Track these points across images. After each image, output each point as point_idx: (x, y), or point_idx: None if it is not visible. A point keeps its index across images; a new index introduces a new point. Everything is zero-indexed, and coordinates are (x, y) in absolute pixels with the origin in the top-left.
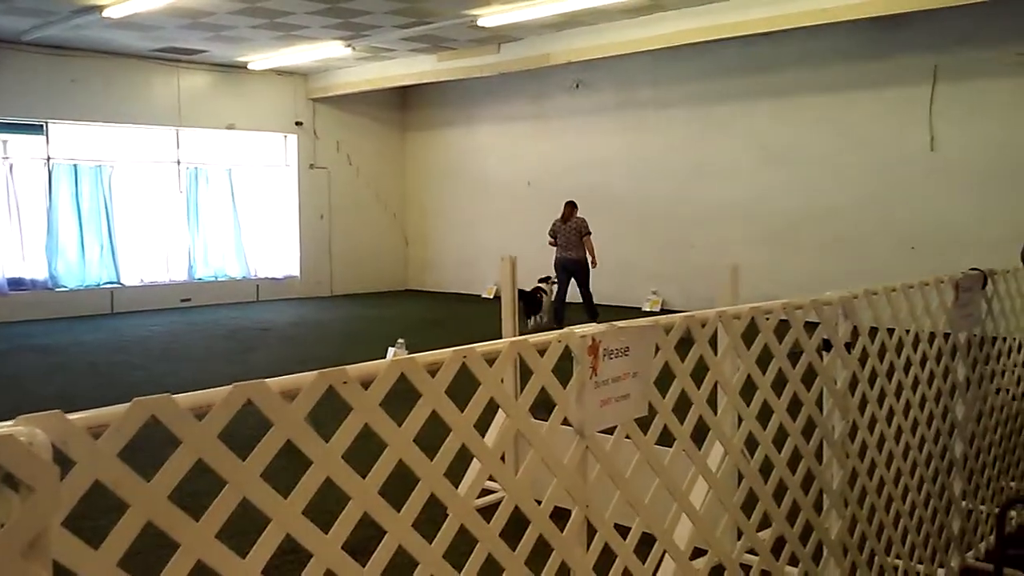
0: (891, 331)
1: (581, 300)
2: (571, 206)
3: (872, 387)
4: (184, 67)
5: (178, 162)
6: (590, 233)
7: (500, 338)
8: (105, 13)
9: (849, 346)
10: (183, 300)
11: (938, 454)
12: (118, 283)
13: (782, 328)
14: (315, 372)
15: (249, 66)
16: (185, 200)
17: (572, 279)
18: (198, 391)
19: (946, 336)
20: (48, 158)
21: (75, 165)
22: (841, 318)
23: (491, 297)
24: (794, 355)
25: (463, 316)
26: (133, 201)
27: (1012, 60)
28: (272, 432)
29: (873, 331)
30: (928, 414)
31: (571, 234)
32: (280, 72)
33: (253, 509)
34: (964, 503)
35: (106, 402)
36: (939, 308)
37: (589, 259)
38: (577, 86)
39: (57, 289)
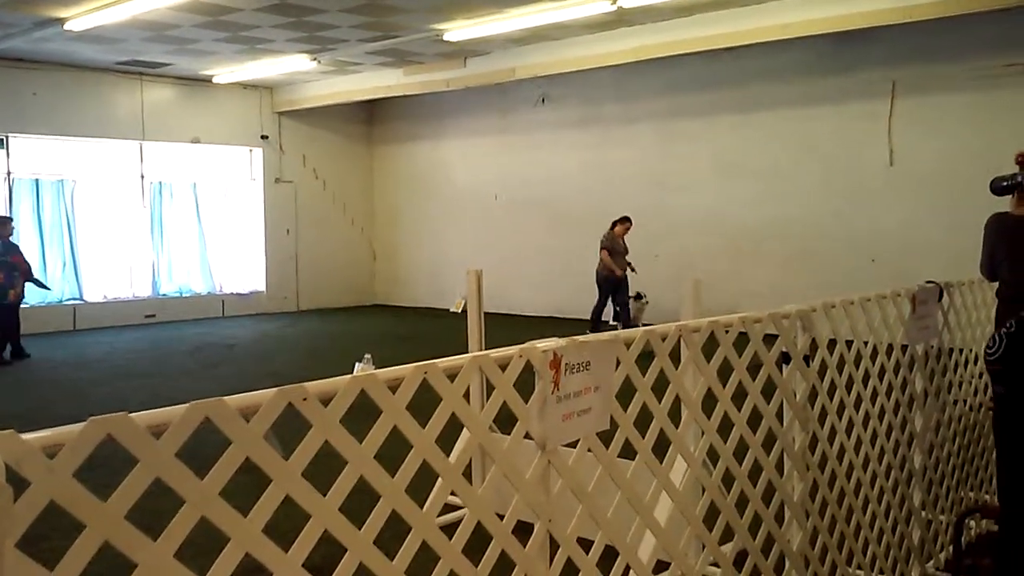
0: (850, 343)
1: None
2: (614, 222)
3: (831, 399)
4: (148, 80)
5: (142, 176)
6: (603, 247)
7: (467, 352)
8: (67, 26)
9: (808, 359)
10: (147, 316)
11: (897, 465)
12: (81, 299)
13: (742, 341)
14: (274, 389)
15: (214, 79)
16: (149, 215)
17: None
18: (156, 409)
19: (903, 348)
20: (9, 173)
21: (36, 180)
22: (799, 331)
23: (459, 311)
24: (754, 368)
25: (431, 331)
26: (96, 216)
27: (969, 76)
28: (230, 450)
29: (832, 343)
30: (887, 425)
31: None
32: (245, 85)
33: (216, 528)
34: (924, 513)
35: (68, 420)
36: (896, 320)
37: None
38: (543, 100)
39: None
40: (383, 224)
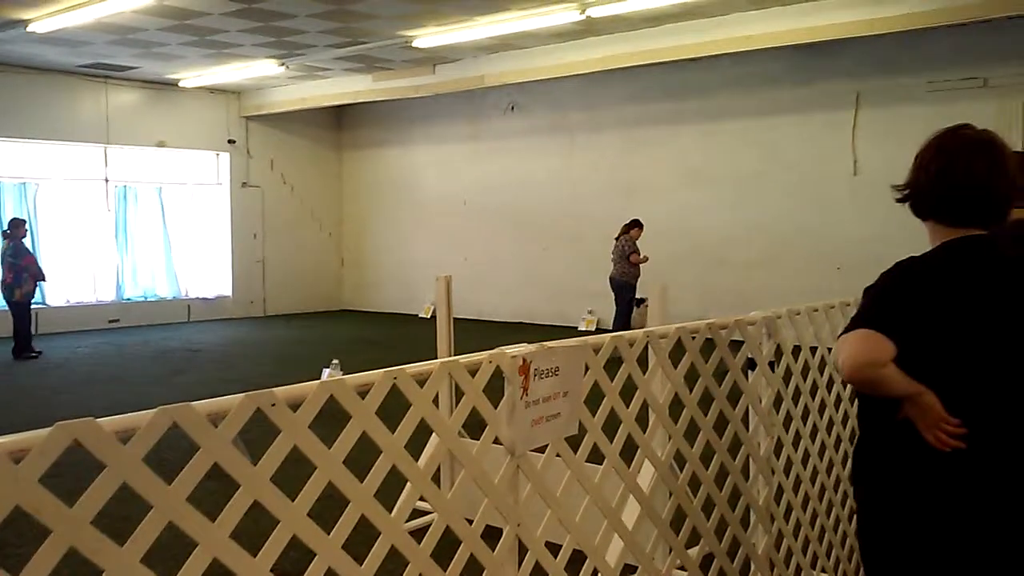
0: (814, 350)
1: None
2: (626, 226)
3: (796, 404)
4: (113, 83)
5: (106, 180)
6: (632, 251)
7: (437, 358)
8: (31, 28)
9: (773, 364)
10: (111, 321)
11: None
12: (43, 303)
13: (709, 347)
14: (242, 394)
15: (180, 83)
16: (114, 219)
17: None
18: (123, 414)
19: None
20: None
21: None
22: (765, 337)
23: (428, 317)
24: (720, 373)
25: (400, 336)
26: (60, 219)
27: (929, 88)
28: (198, 455)
29: (796, 350)
30: (850, 430)
31: (616, 253)
32: (212, 90)
33: (184, 533)
34: None
35: (30, 427)
36: None
37: (631, 273)
38: (512, 108)
39: None
40: (351, 229)
